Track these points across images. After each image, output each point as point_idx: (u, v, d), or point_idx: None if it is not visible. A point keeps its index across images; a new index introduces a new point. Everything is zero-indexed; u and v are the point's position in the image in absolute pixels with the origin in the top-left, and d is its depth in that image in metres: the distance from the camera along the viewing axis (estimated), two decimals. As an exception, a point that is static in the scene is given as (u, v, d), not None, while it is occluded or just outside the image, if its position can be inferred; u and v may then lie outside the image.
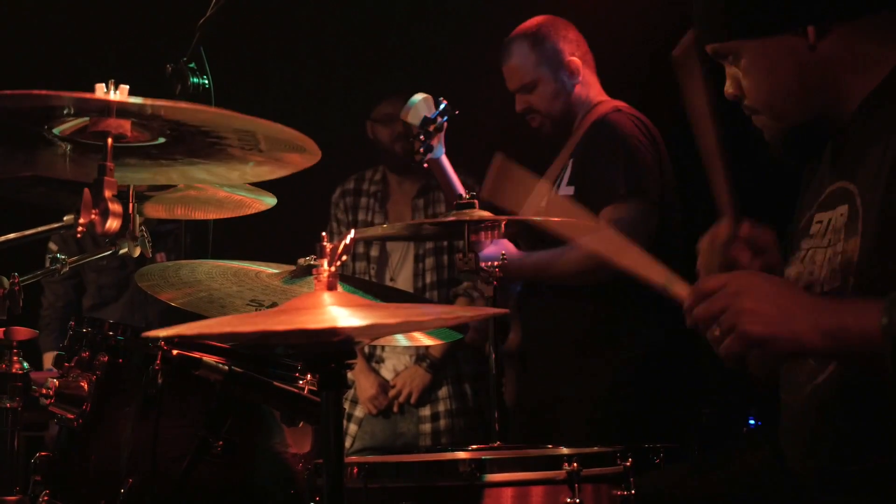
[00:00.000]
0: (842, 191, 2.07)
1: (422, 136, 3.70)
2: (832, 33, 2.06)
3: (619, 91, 3.91)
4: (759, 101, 2.15)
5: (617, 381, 3.62)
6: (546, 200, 3.79)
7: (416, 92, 4.13)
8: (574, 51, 3.83)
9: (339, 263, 1.73)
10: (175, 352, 2.46)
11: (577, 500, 2.29)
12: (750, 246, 2.13)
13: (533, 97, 3.82)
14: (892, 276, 1.90)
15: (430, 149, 3.72)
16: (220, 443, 2.47)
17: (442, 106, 3.72)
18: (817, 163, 2.24)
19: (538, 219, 3.19)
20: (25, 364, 2.47)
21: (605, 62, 3.97)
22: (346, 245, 1.73)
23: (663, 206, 3.64)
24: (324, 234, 1.76)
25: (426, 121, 3.70)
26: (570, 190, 3.71)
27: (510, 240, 3.56)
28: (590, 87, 3.84)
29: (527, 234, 3.64)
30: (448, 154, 3.86)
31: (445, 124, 3.73)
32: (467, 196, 2.98)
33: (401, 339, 2.88)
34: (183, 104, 1.89)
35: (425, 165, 3.75)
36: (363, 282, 4.13)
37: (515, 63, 3.84)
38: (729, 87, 2.19)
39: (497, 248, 3.38)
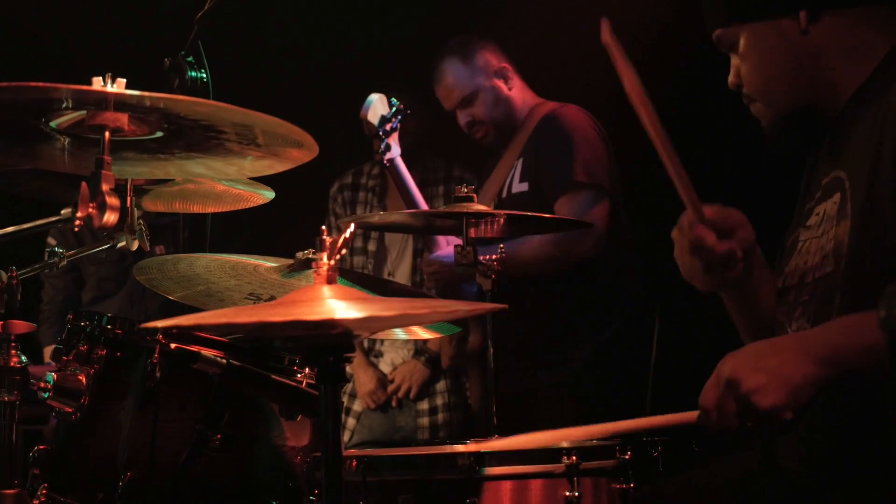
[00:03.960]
0: (835, 180, 2.09)
1: (381, 134, 3.76)
2: (824, 20, 2.09)
3: (575, 91, 3.95)
4: (755, 88, 2.18)
5: (604, 373, 3.66)
6: (494, 203, 3.84)
7: (409, 86, 4.15)
8: (501, 58, 3.96)
9: (338, 257, 1.73)
10: (173, 345, 2.46)
11: (577, 494, 2.30)
12: (716, 228, 2.13)
13: (475, 109, 3.94)
14: (878, 259, 1.92)
15: (388, 147, 3.77)
16: (219, 436, 2.47)
17: (395, 106, 3.77)
18: (816, 158, 2.25)
19: (535, 213, 3.20)
20: (24, 357, 2.46)
21: (571, 62, 4.01)
22: (345, 238, 1.73)
23: (613, 200, 3.70)
24: (323, 227, 1.76)
25: (384, 119, 3.77)
26: (524, 186, 3.78)
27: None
28: (524, 90, 3.97)
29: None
30: (449, 146, 3.88)
31: (399, 125, 3.77)
32: (465, 190, 2.98)
33: (399, 333, 2.88)
34: (181, 97, 1.89)
35: (386, 164, 3.79)
36: (361, 275, 4.13)
37: (451, 80, 3.97)
38: (731, 77, 2.23)
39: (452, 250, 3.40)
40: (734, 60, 2.21)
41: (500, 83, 3.92)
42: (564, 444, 2.36)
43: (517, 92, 3.94)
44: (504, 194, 3.85)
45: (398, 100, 3.79)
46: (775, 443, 2.16)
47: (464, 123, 3.98)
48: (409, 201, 3.88)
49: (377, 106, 3.80)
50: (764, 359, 1.89)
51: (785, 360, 1.87)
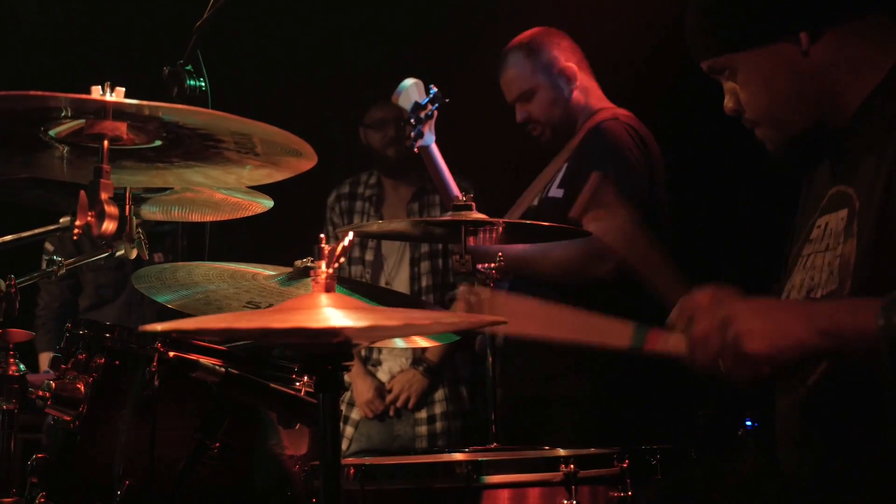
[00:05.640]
0: (841, 195, 2.07)
1: (412, 121, 3.72)
2: (824, 38, 2.06)
3: (614, 94, 3.93)
4: (759, 113, 2.15)
5: (604, 381, 3.64)
6: (537, 200, 3.83)
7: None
8: (570, 57, 3.87)
9: (336, 265, 1.73)
10: (172, 354, 2.46)
11: (574, 502, 2.30)
12: None
13: (532, 106, 3.85)
14: (887, 279, 1.90)
15: (420, 135, 3.74)
16: (217, 445, 2.47)
17: (433, 93, 3.75)
18: (815, 170, 2.25)
19: (532, 222, 3.20)
20: (22, 366, 2.46)
21: (599, 66, 3.98)
22: (344, 247, 1.73)
23: (652, 214, 3.68)
24: (322, 235, 1.77)
25: (417, 106, 3.73)
26: (560, 193, 3.75)
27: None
28: (589, 93, 3.87)
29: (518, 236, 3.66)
30: (447, 152, 3.87)
31: (436, 112, 3.75)
32: (463, 198, 2.98)
33: (398, 341, 2.89)
34: (179, 106, 1.90)
35: (416, 151, 3.76)
36: (360, 284, 4.13)
37: (512, 74, 3.88)
38: (728, 103, 2.19)
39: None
40: (729, 86, 2.18)
41: (562, 84, 3.83)
42: (562, 453, 2.36)
43: (579, 94, 3.84)
44: (542, 195, 3.84)
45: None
46: (776, 450, 2.16)
47: (520, 119, 3.90)
48: (444, 190, 3.85)
49: (411, 91, 3.76)
50: (769, 310, 1.91)
51: (788, 317, 1.88)
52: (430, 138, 3.78)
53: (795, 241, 2.25)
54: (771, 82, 2.11)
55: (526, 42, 3.88)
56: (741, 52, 2.12)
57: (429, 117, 3.75)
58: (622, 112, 3.82)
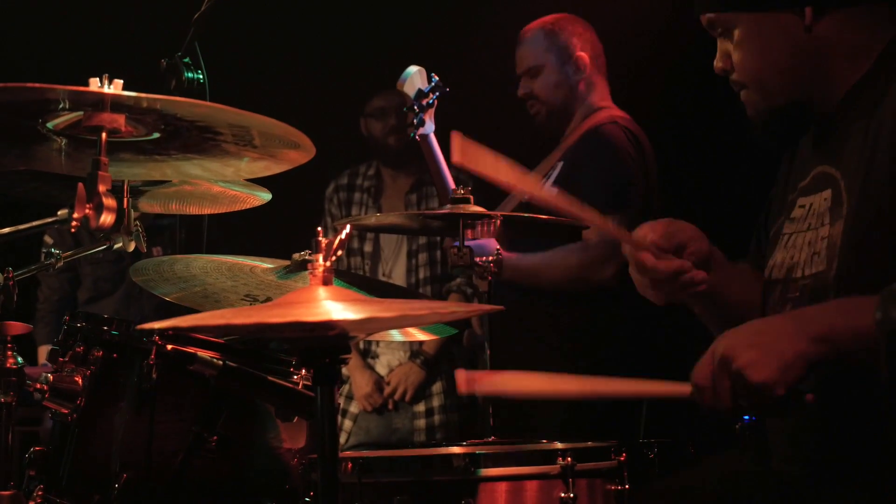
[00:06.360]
0: (825, 175, 2.08)
1: (416, 108, 3.74)
2: (828, 17, 2.08)
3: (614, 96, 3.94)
4: (749, 76, 2.16)
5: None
6: (535, 193, 3.82)
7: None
8: (586, 48, 3.89)
9: (334, 258, 1.73)
10: (169, 347, 2.46)
11: (572, 495, 2.30)
12: (663, 247, 2.17)
13: (535, 83, 3.89)
14: (873, 262, 1.92)
15: (421, 122, 3.75)
16: (215, 438, 2.47)
17: (434, 81, 3.76)
18: (797, 146, 2.25)
19: (531, 215, 3.19)
20: (20, 359, 2.46)
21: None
22: (341, 239, 1.73)
23: (647, 215, 3.68)
24: (319, 228, 1.76)
25: (420, 93, 3.74)
26: (555, 191, 3.75)
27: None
28: (594, 88, 3.89)
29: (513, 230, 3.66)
30: (444, 148, 3.88)
31: (436, 101, 3.76)
32: (461, 191, 2.98)
33: (395, 335, 2.89)
34: (178, 98, 1.90)
35: (417, 138, 3.77)
36: (358, 277, 4.13)
37: (525, 48, 3.92)
38: (718, 62, 2.20)
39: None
40: (723, 45, 2.19)
41: (570, 70, 3.85)
42: (559, 446, 2.36)
43: (585, 87, 3.87)
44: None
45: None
46: (768, 443, 2.16)
47: (520, 93, 3.93)
48: (440, 181, 3.86)
49: (415, 78, 3.77)
50: (759, 335, 1.89)
51: (780, 336, 1.87)
52: (430, 127, 3.79)
53: (775, 217, 2.25)
54: (768, 49, 2.12)
55: (549, 22, 3.92)
56: (745, 11, 2.13)
57: (430, 105, 3.76)
58: (620, 115, 3.84)
